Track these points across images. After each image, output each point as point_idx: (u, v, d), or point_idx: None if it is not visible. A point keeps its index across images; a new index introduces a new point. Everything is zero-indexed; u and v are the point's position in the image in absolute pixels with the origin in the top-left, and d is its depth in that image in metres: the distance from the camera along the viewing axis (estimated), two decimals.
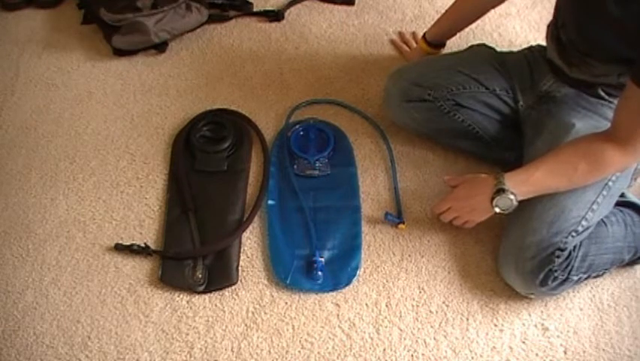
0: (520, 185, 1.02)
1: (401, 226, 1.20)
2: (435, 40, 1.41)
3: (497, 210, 1.04)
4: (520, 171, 1.04)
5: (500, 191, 1.02)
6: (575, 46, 1.06)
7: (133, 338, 1.06)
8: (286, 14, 1.59)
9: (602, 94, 1.09)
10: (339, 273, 1.13)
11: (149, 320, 1.08)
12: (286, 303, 1.11)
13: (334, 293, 1.12)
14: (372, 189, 1.26)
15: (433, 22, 1.41)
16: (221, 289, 1.12)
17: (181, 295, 1.11)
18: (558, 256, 1.01)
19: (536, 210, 1.04)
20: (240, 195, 1.23)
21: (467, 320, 1.10)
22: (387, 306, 1.11)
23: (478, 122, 1.23)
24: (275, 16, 1.58)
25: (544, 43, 1.18)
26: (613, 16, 0.92)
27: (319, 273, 1.12)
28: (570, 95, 1.12)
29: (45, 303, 1.10)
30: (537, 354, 1.07)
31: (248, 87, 1.44)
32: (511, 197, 1.01)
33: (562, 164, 1.01)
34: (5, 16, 1.57)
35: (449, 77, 1.21)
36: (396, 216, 1.21)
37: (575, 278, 1.05)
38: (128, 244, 1.15)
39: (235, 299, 1.11)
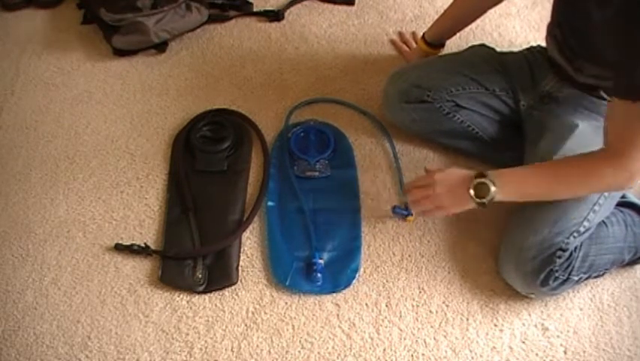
0: (503, 180, 0.98)
1: (409, 218, 1.21)
2: (434, 41, 1.41)
3: (472, 192, 0.99)
4: (508, 170, 1.01)
5: (480, 176, 0.98)
6: (569, 45, 1.06)
7: (133, 338, 1.06)
8: (286, 14, 1.59)
9: (604, 95, 1.09)
10: (338, 275, 1.13)
11: (149, 320, 1.08)
12: (286, 303, 1.11)
13: (334, 293, 1.12)
14: (372, 189, 1.26)
15: (433, 22, 1.41)
16: (221, 289, 1.12)
17: (181, 295, 1.11)
18: (559, 257, 1.01)
19: (538, 210, 1.04)
20: (240, 195, 1.23)
21: (467, 320, 1.10)
22: (387, 306, 1.11)
23: (478, 123, 1.23)
24: (275, 16, 1.58)
25: (544, 43, 1.18)
26: (594, 19, 0.92)
27: (318, 275, 1.12)
28: (572, 96, 1.12)
29: (45, 303, 1.10)
30: (537, 354, 1.07)
31: (248, 87, 1.44)
32: (491, 187, 0.97)
33: (552, 173, 1.00)
34: (5, 16, 1.57)
35: (449, 78, 1.21)
36: (404, 209, 1.21)
37: (576, 278, 1.05)
38: (128, 244, 1.15)
39: (235, 299, 1.11)
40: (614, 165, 0.93)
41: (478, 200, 0.99)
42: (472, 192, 0.99)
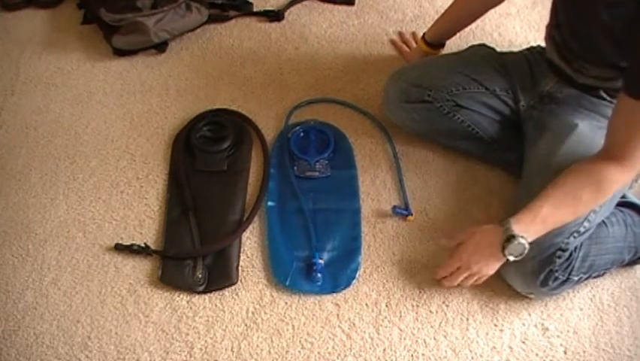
0: (528, 227, 0.97)
1: (410, 218, 1.21)
2: (434, 41, 1.41)
3: (511, 258, 0.99)
4: (525, 213, 0.98)
5: (511, 238, 0.96)
6: (569, 47, 1.07)
7: (133, 338, 1.06)
8: (286, 14, 1.59)
9: (604, 95, 1.09)
10: (338, 275, 1.13)
11: (149, 320, 1.08)
12: (286, 303, 1.11)
13: (334, 293, 1.12)
14: (372, 189, 1.26)
15: (432, 23, 1.41)
16: (221, 289, 1.12)
17: (181, 295, 1.11)
18: (559, 257, 1.01)
19: None
20: (240, 195, 1.23)
21: (467, 320, 1.10)
22: (387, 306, 1.11)
23: (478, 122, 1.23)
24: (275, 16, 1.58)
25: (544, 43, 1.18)
26: (602, 20, 0.93)
27: (318, 275, 1.12)
28: (572, 96, 1.12)
29: (45, 303, 1.10)
30: (537, 354, 1.07)
31: (248, 87, 1.44)
32: (522, 241, 0.96)
33: (566, 196, 0.97)
34: (5, 16, 1.57)
35: (449, 78, 1.21)
36: (404, 209, 1.21)
37: (576, 278, 1.05)
38: (128, 244, 1.15)
39: (235, 299, 1.11)
40: (620, 168, 0.94)
41: (515, 258, 0.99)
42: (511, 258, 0.99)
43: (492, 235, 1.01)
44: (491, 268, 1.04)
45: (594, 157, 0.98)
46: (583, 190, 0.96)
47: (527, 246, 0.97)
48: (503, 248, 0.98)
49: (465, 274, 1.06)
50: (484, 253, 1.03)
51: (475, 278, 1.06)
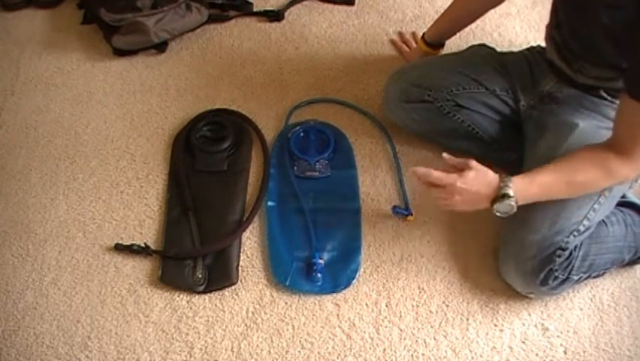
0: (524, 189, 0.98)
1: (409, 217, 1.21)
2: (434, 41, 1.41)
3: (498, 214, 1.00)
4: (525, 175, 0.99)
5: (505, 196, 0.97)
6: (569, 47, 1.07)
7: (133, 338, 1.06)
8: (286, 14, 1.59)
9: (604, 95, 1.09)
10: (338, 275, 1.13)
11: (149, 320, 1.08)
12: (286, 303, 1.11)
13: (334, 293, 1.12)
14: (372, 189, 1.26)
15: (432, 23, 1.41)
16: (221, 289, 1.12)
17: (181, 295, 1.11)
18: (559, 256, 1.01)
19: (538, 209, 1.03)
20: (240, 195, 1.23)
21: (467, 320, 1.10)
22: (387, 306, 1.11)
23: (478, 122, 1.23)
24: (275, 16, 1.58)
25: (544, 43, 1.18)
26: (602, 21, 0.93)
27: (318, 275, 1.12)
28: (572, 96, 1.12)
29: (45, 303, 1.10)
30: (537, 354, 1.07)
31: (248, 87, 1.44)
32: (512, 203, 0.97)
33: (566, 168, 0.98)
34: (5, 16, 1.57)
35: (449, 78, 1.21)
36: (404, 209, 1.21)
37: (576, 278, 1.05)
38: (128, 244, 1.15)
39: (235, 299, 1.11)
40: (623, 161, 0.94)
41: (500, 215, 0.99)
42: (497, 213, 0.99)
43: (490, 184, 0.99)
44: (469, 208, 1.02)
45: (602, 144, 0.98)
46: (583, 166, 0.97)
47: (514, 208, 0.98)
48: (493, 201, 0.98)
49: (443, 195, 1.02)
50: (473, 194, 1.00)
51: (449, 203, 1.02)
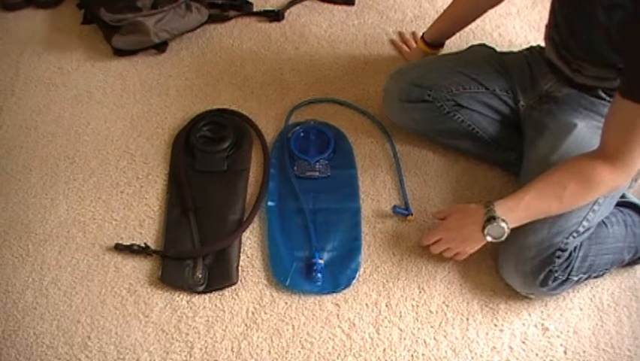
0: (510, 211, 1.00)
1: (410, 217, 1.21)
2: (434, 41, 1.41)
3: (489, 238, 1.01)
4: (509, 198, 1.01)
5: (491, 219, 0.99)
6: (567, 47, 1.07)
7: (133, 338, 1.06)
8: (286, 14, 1.59)
9: (603, 94, 1.09)
10: (338, 275, 1.13)
11: (149, 320, 1.08)
12: (286, 303, 1.11)
13: (334, 293, 1.12)
14: (372, 189, 1.26)
15: (432, 23, 1.41)
16: (221, 289, 1.12)
17: (181, 295, 1.11)
18: (559, 257, 1.01)
19: None
20: (240, 195, 1.23)
21: (467, 320, 1.10)
22: (387, 306, 1.12)
23: (478, 122, 1.23)
24: (275, 16, 1.58)
25: (543, 43, 1.18)
26: (600, 21, 0.93)
27: (318, 275, 1.12)
28: (571, 96, 1.12)
29: (45, 303, 1.10)
30: (537, 354, 1.07)
31: (248, 87, 1.44)
32: (503, 225, 0.99)
33: (551, 185, 0.98)
34: (5, 16, 1.57)
35: (449, 78, 1.21)
36: (404, 209, 1.22)
37: (575, 278, 1.05)
38: (128, 244, 1.15)
39: (235, 299, 1.11)
40: (612, 168, 0.93)
41: (495, 240, 1.02)
42: (489, 238, 1.02)
43: (475, 214, 1.04)
44: (470, 246, 1.08)
45: (588, 154, 0.98)
46: (569, 183, 0.97)
47: (507, 230, 1.00)
48: (483, 228, 1.01)
49: (443, 247, 1.11)
50: (464, 231, 1.06)
51: (455, 253, 1.10)
